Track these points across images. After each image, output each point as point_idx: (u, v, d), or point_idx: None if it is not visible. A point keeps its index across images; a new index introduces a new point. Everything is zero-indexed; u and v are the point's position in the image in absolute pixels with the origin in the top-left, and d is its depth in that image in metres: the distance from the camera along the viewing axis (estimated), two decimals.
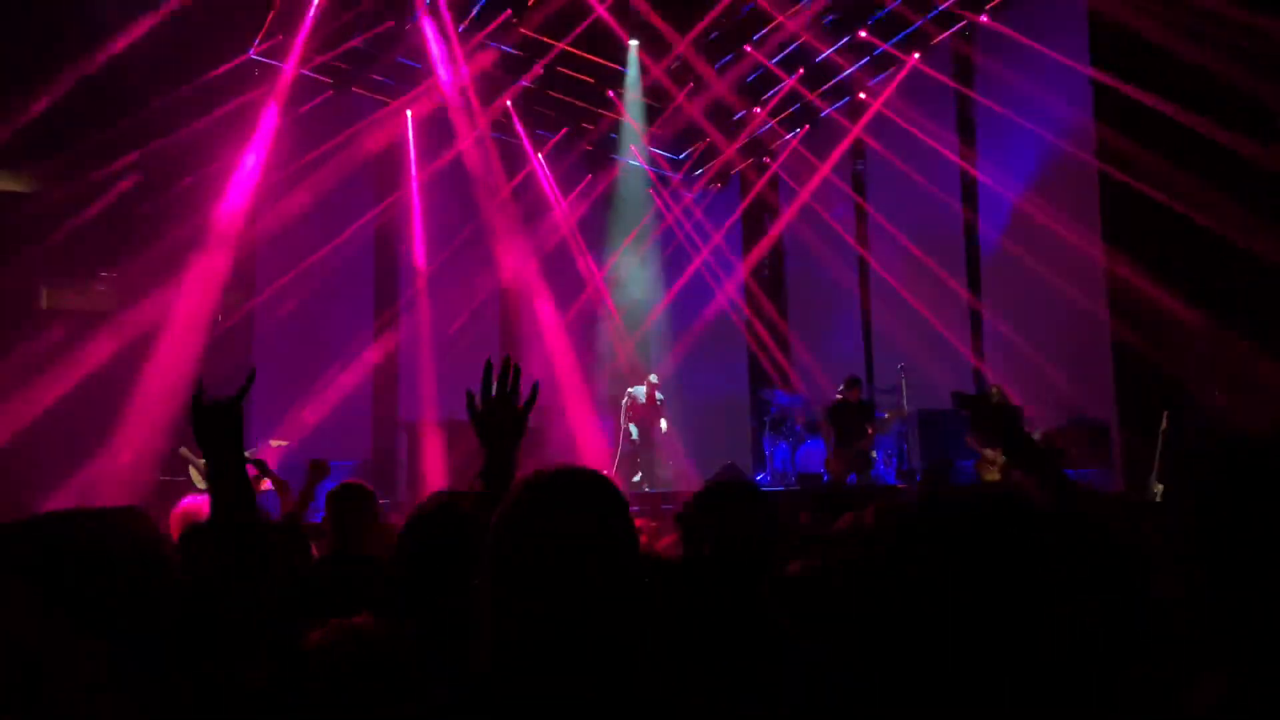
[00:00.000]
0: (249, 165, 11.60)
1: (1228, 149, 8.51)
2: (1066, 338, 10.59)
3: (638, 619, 1.35)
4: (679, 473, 12.66)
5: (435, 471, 11.28)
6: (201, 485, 9.53)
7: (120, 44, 9.84)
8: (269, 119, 11.79)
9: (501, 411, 1.99)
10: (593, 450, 12.85)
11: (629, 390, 12.47)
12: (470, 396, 2.03)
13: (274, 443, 10.30)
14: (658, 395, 12.35)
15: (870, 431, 10.91)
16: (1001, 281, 11.81)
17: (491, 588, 1.32)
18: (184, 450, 9.92)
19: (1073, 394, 10.14)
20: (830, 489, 10.22)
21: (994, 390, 9.91)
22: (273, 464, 4.67)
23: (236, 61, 11.48)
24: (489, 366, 2.04)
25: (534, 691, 1.24)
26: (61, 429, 9.48)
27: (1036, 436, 9.58)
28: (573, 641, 1.27)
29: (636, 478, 12.36)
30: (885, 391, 11.96)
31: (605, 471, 10.55)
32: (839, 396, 11.09)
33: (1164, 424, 8.48)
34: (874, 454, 11.33)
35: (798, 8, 11.90)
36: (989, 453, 9.65)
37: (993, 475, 9.55)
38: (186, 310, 10.71)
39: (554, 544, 1.30)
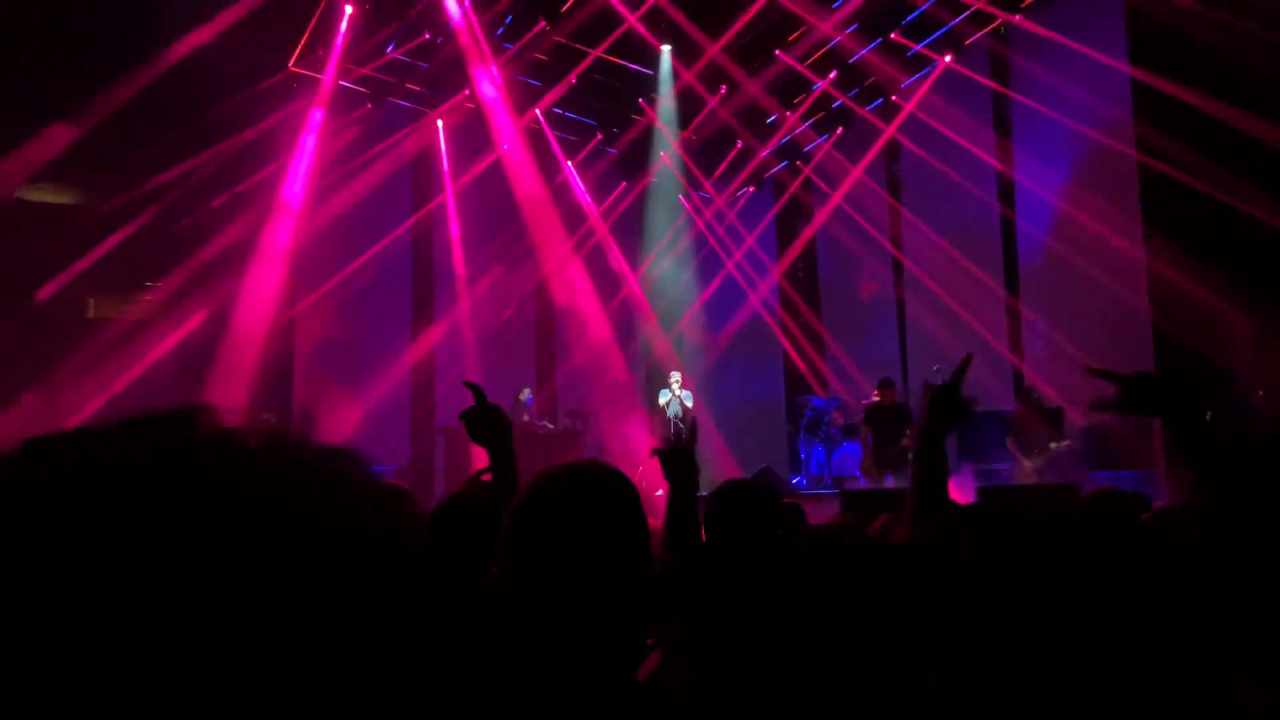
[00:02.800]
0: (289, 176, 11.82)
1: (1269, 144, 8.38)
2: (1108, 335, 10.47)
3: (646, 608, 1.39)
4: (717, 476, 12.63)
5: (472, 475, 11.37)
6: None
7: (164, 62, 10.07)
8: (308, 131, 12.00)
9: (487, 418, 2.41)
10: (630, 450, 12.88)
11: (660, 395, 12.43)
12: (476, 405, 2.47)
13: None
14: (684, 395, 12.24)
15: (909, 433, 10.82)
16: (1041, 279, 11.71)
17: (506, 579, 1.36)
18: None
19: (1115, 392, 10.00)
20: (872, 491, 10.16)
21: (1030, 388, 9.80)
22: None
23: (277, 77, 11.70)
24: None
25: (549, 678, 1.29)
26: None
27: (1054, 446, 9.47)
28: (585, 630, 1.30)
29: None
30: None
31: (643, 473, 10.50)
32: (875, 399, 11.04)
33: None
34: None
35: (830, 10, 11.89)
36: (1027, 463, 9.52)
37: (1025, 478, 9.44)
38: (234, 320, 10.91)
39: (564, 537, 1.33)
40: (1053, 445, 9.49)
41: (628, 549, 1.37)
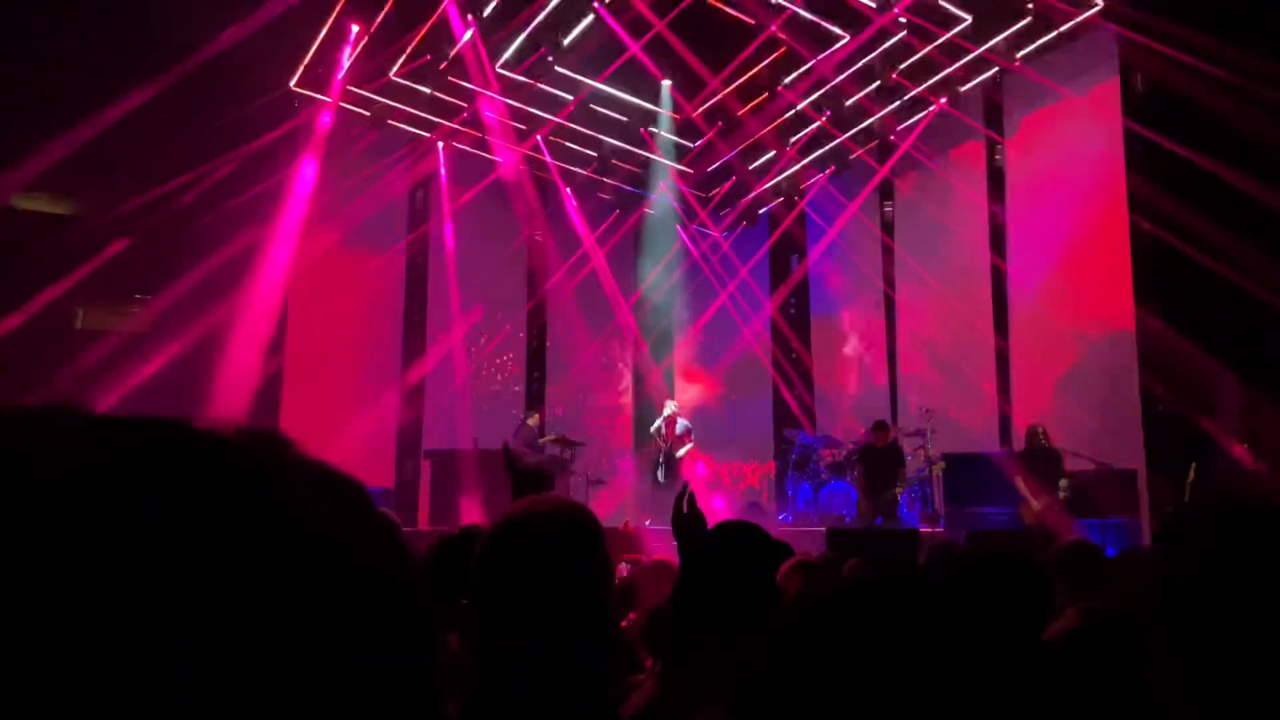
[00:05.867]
0: (287, 195, 11.83)
1: (1259, 202, 8.49)
2: (1095, 385, 10.54)
3: (607, 643, 1.43)
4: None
5: (459, 501, 11.31)
6: None
7: (166, 77, 10.07)
8: (307, 150, 12.03)
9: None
10: (618, 481, 12.87)
11: (652, 428, 12.41)
12: None
13: None
14: (679, 423, 12.20)
15: (901, 476, 10.82)
16: (1030, 326, 11.78)
17: (474, 615, 1.41)
18: None
19: (1101, 442, 10.06)
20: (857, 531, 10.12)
21: (1039, 430, 9.73)
22: None
23: (277, 94, 11.74)
24: None
25: (514, 711, 1.33)
26: None
27: (1064, 484, 9.48)
28: (546, 664, 1.34)
29: None
30: (911, 435, 11.91)
31: (630, 504, 10.45)
32: (869, 441, 11.06)
33: (1191, 475, 8.41)
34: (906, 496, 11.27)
35: (830, 52, 12.02)
36: (1035, 502, 9.42)
37: (1033, 518, 9.37)
38: (224, 338, 10.87)
39: (526, 574, 1.38)
40: (1062, 483, 9.44)
41: (587, 584, 1.41)
